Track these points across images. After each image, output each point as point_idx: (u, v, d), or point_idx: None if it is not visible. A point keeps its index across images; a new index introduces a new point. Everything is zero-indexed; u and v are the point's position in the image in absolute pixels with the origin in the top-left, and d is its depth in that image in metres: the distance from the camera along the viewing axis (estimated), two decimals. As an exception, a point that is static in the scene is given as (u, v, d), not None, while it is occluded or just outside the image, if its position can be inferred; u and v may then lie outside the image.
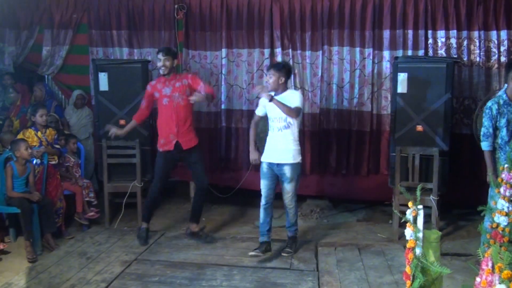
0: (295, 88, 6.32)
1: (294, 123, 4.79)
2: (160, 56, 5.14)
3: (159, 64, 5.15)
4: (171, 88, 5.17)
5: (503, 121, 4.53)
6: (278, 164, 4.84)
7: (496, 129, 4.59)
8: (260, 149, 5.86)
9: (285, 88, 4.84)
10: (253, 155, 5.05)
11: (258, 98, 6.39)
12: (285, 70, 4.82)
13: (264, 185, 4.95)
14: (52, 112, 6.56)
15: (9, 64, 6.92)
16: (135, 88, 6.00)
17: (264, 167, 4.94)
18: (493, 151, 4.58)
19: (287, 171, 4.81)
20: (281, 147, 4.81)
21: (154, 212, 5.57)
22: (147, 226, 5.38)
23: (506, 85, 4.65)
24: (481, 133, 4.68)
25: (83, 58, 6.84)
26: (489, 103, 4.62)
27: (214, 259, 4.89)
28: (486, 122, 4.62)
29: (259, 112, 5.05)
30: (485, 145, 4.62)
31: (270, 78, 4.78)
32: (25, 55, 6.95)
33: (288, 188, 4.87)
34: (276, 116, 4.80)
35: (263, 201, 4.96)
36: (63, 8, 6.77)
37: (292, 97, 4.77)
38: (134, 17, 6.66)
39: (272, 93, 4.77)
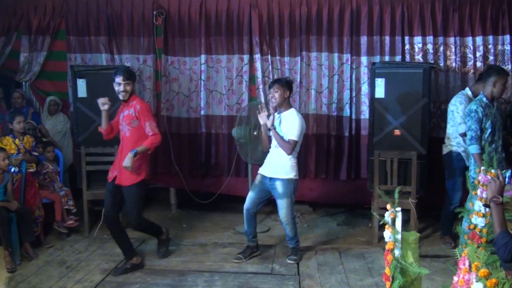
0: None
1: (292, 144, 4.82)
2: (120, 79, 4.65)
3: (119, 88, 4.67)
4: (122, 115, 4.79)
5: (488, 123, 4.67)
6: (270, 179, 4.88)
7: (482, 133, 4.71)
8: (241, 155, 5.90)
9: (289, 105, 4.95)
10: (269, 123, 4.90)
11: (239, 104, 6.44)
12: (288, 85, 4.91)
13: (249, 197, 4.99)
14: (29, 119, 6.48)
15: (-13, 71, 6.84)
16: (114, 94, 5.90)
17: (257, 179, 5.00)
18: (481, 154, 4.61)
19: (278, 186, 4.82)
20: (275, 161, 4.87)
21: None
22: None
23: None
24: (469, 137, 4.76)
25: (61, 64, 6.77)
26: (473, 107, 4.73)
27: (195, 266, 4.89)
28: (473, 125, 4.71)
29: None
30: (474, 149, 4.71)
31: (276, 93, 4.83)
32: (2, 61, 6.84)
33: (281, 204, 4.86)
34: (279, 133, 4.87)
35: (244, 213, 5.00)
36: (41, 14, 6.69)
37: (291, 124, 4.80)
38: (113, 23, 6.62)
39: (274, 124, 4.88)
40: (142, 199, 4.84)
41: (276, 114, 4.99)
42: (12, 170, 5.28)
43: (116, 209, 4.78)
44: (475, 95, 5.18)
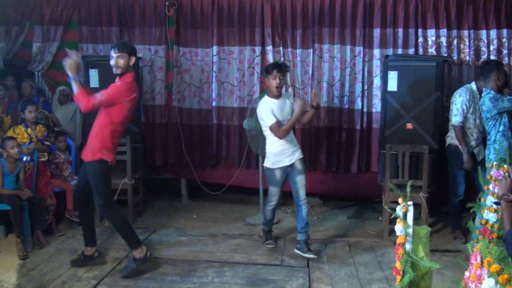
0: (286, 86, 6.33)
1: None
2: (113, 52, 4.26)
3: (112, 62, 4.28)
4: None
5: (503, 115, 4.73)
6: (291, 165, 4.86)
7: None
8: (252, 146, 5.89)
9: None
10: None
11: (250, 96, 6.44)
12: (286, 70, 4.97)
13: (276, 192, 4.97)
14: (40, 109, 6.51)
15: (-1, 60, 6.89)
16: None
17: (278, 175, 4.89)
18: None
19: (299, 164, 4.87)
20: (294, 144, 4.91)
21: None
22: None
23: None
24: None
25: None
26: (492, 94, 4.85)
27: (205, 256, 4.90)
28: (507, 103, 4.82)
29: (274, 119, 4.75)
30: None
31: (281, 81, 4.81)
32: (15, 51, 6.89)
33: (302, 180, 4.87)
34: (286, 119, 4.83)
35: (273, 204, 5.03)
36: (54, 4, 6.73)
37: (290, 102, 4.98)
38: (124, 14, 6.64)
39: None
40: (103, 179, 4.31)
41: (275, 100, 4.85)
42: (24, 159, 5.32)
43: (84, 189, 4.45)
44: (480, 90, 5.17)
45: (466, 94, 5.17)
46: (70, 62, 4.23)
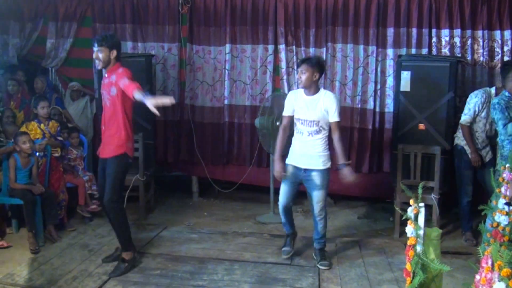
0: (298, 84, 6.31)
1: (326, 128, 4.43)
2: (94, 47, 4.21)
3: (94, 56, 4.25)
4: (102, 85, 4.40)
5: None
6: (306, 170, 4.45)
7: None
8: (263, 145, 5.89)
9: (317, 87, 4.46)
10: (278, 166, 4.51)
11: (262, 96, 6.43)
12: (319, 66, 4.38)
13: (283, 191, 4.59)
14: (53, 105, 6.56)
15: (13, 56, 6.93)
16: (139, 81, 5.88)
17: (288, 171, 4.53)
18: None
19: (316, 177, 4.42)
20: (311, 152, 4.42)
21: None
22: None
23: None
24: (501, 126, 4.65)
25: (87, 51, 6.81)
26: (495, 100, 4.71)
27: (216, 254, 4.92)
28: (500, 114, 4.61)
29: (288, 111, 4.56)
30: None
31: (303, 74, 4.33)
32: (29, 47, 6.95)
33: (318, 196, 4.47)
34: (308, 119, 4.41)
35: (280, 209, 4.67)
36: (68, 1, 6.77)
37: (329, 105, 4.35)
38: (138, 11, 6.66)
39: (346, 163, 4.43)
40: (121, 175, 4.39)
41: (306, 96, 4.46)
42: (37, 154, 5.37)
43: (103, 183, 4.45)
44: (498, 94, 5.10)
45: (482, 96, 5.09)
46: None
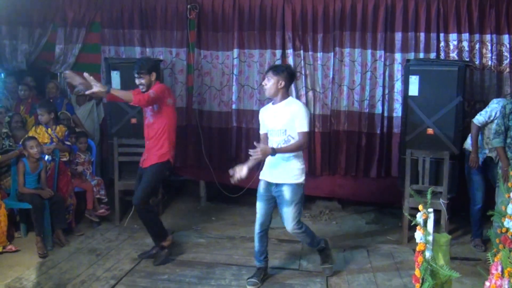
0: (306, 89, 6.32)
1: (296, 138, 4.10)
2: (135, 74, 4.68)
3: (136, 81, 4.69)
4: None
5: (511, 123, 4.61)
6: (277, 184, 4.18)
7: (506, 129, 4.65)
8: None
9: (285, 95, 4.18)
10: (238, 167, 4.21)
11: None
12: (285, 74, 4.13)
13: (259, 209, 4.32)
14: (63, 110, 6.60)
15: (22, 61, 6.98)
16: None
17: (261, 187, 4.30)
18: (505, 147, 4.72)
19: (286, 192, 4.13)
20: (280, 164, 4.14)
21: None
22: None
23: None
24: (493, 131, 4.73)
25: (95, 56, 6.89)
26: (504, 102, 4.69)
27: (223, 259, 4.92)
28: (498, 120, 4.67)
29: (262, 129, 4.39)
30: (497, 142, 4.71)
31: (268, 82, 4.13)
32: (38, 52, 7.00)
33: (288, 213, 4.16)
34: (275, 128, 4.16)
35: (257, 228, 4.34)
36: (77, 6, 6.82)
37: (296, 114, 4.07)
38: (146, 17, 6.70)
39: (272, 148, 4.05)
40: (157, 181, 4.80)
41: (273, 106, 4.24)
42: (46, 158, 5.40)
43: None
44: None
45: (503, 106, 4.88)
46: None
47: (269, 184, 4.25)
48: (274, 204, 4.32)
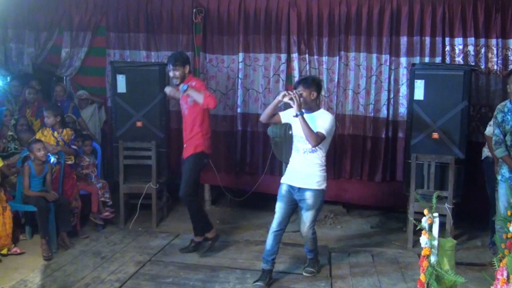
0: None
1: (322, 148, 4.28)
2: (169, 67, 4.95)
3: (170, 75, 4.98)
4: (181, 96, 5.02)
5: (507, 128, 4.55)
6: (299, 189, 4.32)
7: (505, 135, 4.60)
8: (276, 153, 5.88)
9: (317, 106, 4.39)
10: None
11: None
12: (314, 84, 4.28)
13: (279, 208, 4.41)
14: (70, 113, 6.62)
15: (28, 65, 7.02)
16: (153, 90, 6.06)
17: (283, 189, 4.43)
18: (510, 153, 4.60)
19: (308, 197, 4.29)
20: (305, 171, 4.30)
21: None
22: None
23: None
24: (493, 142, 4.67)
25: (101, 60, 6.92)
26: (495, 111, 4.65)
27: (228, 262, 4.91)
28: (495, 130, 4.62)
29: (282, 118, 4.47)
30: (499, 152, 4.62)
31: (301, 96, 4.20)
32: (44, 56, 7.04)
33: (307, 217, 4.35)
34: (302, 136, 4.23)
35: (274, 227, 4.39)
36: (83, 10, 6.86)
37: (322, 120, 4.21)
38: (152, 20, 6.72)
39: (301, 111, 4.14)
40: (196, 172, 5.05)
41: (305, 114, 4.24)
42: (52, 161, 5.42)
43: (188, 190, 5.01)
44: None
45: (494, 116, 4.79)
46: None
47: (291, 188, 4.38)
48: (294, 207, 4.45)
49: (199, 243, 5.17)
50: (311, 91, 4.25)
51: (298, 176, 4.33)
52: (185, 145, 5.08)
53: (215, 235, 5.19)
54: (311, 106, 4.30)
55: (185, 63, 4.93)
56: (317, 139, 4.12)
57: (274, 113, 4.47)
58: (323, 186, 4.35)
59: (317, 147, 4.23)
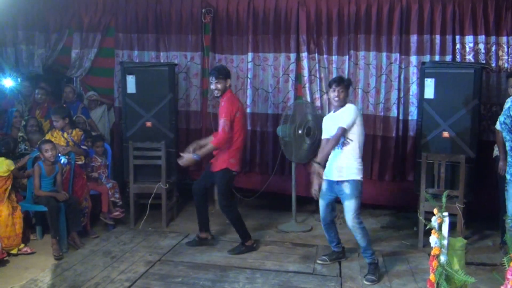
0: (321, 92, 6.32)
1: (354, 139, 4.52)
2: (211, 79, 5.08)
3: (211, 86, 5.09)
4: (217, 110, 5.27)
5: None
6: (337, 182, 4.58)
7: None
8: (285, 153, 5.88)
9: (345, 102, 4.64)
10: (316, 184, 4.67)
11: (284, 103, 6.44)
12: (346, 84, 4.63)
13: (320, 206, 4.79)
14: (79, 114, 6.66)
15: (39, 66, 7.06)
16: (162, 90, 6.08)
17: (323, 186, 4.70)
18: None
19: (346, 188, 4.53)
20: (340, 164, 4.55)
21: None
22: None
23: None
24: (508, 148, 4.56)
25: (110, 60, 6.94)
26: (501, 118, 4.52)
27: (237, 262, 4.91)
28: (508, 136, 4.49)
29: (324, 135, 4.78)
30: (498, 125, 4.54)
31: (341, 93, 4.55)
32: (54, 57, 7.07)
33: (348, 206, 4.54)
34: (333, 133, 4.56)
35: (321, 222, 4.88)
36: (92, 11, 6.89)
37: (343, 114, 4.53)
38: (161, 21, 6.74)
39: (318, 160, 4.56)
40: (227, 185, 5.16)
41: (333, 113, 4.69)
42: (62, 161, 5.45)
43: (203, 184, 5.31)
44: None
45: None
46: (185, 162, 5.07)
47: (331, 183, 4.66)
48: (334, 201, 4.79)
49: (250, 246, 5.28)
50: (346, 90, 4.63)
51: (335, 170, 4.60)
52: (215, 157, 5.20)
53: (250, 245, 5.26)
54: (342, 104, 4.61)
55: (227, 76, 5.08)
56: (337, 135, 4.48)
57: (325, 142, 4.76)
58: (358, 177, 4.56)
59: (348, 140, 4.53)
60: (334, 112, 4.69)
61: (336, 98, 4.57)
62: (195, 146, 5.09)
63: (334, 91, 4.58)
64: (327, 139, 4.66)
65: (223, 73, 5.06)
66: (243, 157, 6.60)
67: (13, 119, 6.39)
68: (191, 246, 5.33)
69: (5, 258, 4.81)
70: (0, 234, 4.82)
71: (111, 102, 7.01)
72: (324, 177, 4.66)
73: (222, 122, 4.98)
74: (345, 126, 4.46)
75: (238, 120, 5.04)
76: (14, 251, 4.94)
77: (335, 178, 4.60)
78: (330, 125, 4.64)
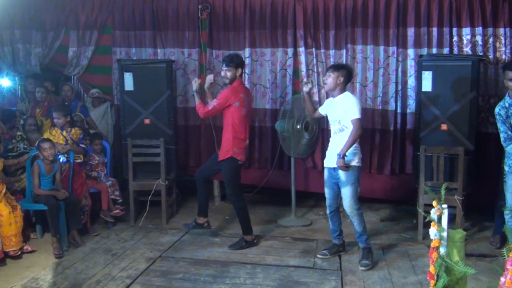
0: (319, 87, 6.31)
1: (349, 127, 4.55)
2: (223, 66, 5.08)
3: (222, 74, 5.11)
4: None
5: None
6: (334, 169, 4.64)
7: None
8: (284, 148, 5.89)
9: (343, 89, 4.66)
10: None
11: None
12: (344, 71, 4.65)
13: (326, 193, 4.87)
14: (78, 112, 6.65)
15: (36, 65, 7.05)
16: (160, 87, 6.08)
17: (325, 174, 4.83)
18: None
19: (342, 174, 4.58)
20: (336, 150, 4.56)
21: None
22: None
23: None
24: (502, 139, 4.57)
25: (107, 58, 6.93)
26: (496, 109, 4.55)
27: (238, 257, 4.92)
28: (501, 127, 4.52)
29: (322, 111, 5.01)
30: (511, 148, 4.51)
31: (329, 77, 4.64)
32: (51, 56, 7.06)
33: (345, 193, 4.63)
34: (332, 119, 4.73)
35: (327, 210, 4.93)
36: (89, 9, 6.87)
37: (347, 105, 4.56)
38: (158, 18, 6.72)
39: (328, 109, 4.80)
40: (233, 174, 5.17)
41: (331, 98, 4.83)
42: (61, 160, 5.45)
43: (207, 168, 5.38)
44: None
45: (497, 113, 4.65)
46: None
47: (330, 170, 4.74)
48: (338, 188, 4.78)
49: (251, 241, 5.29)
50: (338, 75, 4.62)
51: (332, 157, 4.66)
52: (220, 147, 5.23)
53: (251, 240, 5.27)
54: (337, 89, 4.67)
55: (238, 65, 5.04)
56: (358, 129, 4.53)
57: (315, 109, 5.12)
58: (354, 163, 4.60)
59: (344, 127, 4.60)
60: (333, 97, 4.76)
61: (325, 81, 4.72)
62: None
63: (329, 76, 4.66)
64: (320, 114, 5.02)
65: (235, 61, 5.03)
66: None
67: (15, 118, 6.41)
68: (187, 228, 5.51)
69: (17, 254, 4.84)
70: (5, 233, 4.78)
71: (112, 99, 7.01)
72: (324, 165, 4.83)
73: (213, 102, 5.05)
74: (359, 116, 4.54)
75: (235, 109, 5.00)
76: (17, 248, 4.87)
77: (332, 165, 4.67)
78: (330, 108, 4.77)
